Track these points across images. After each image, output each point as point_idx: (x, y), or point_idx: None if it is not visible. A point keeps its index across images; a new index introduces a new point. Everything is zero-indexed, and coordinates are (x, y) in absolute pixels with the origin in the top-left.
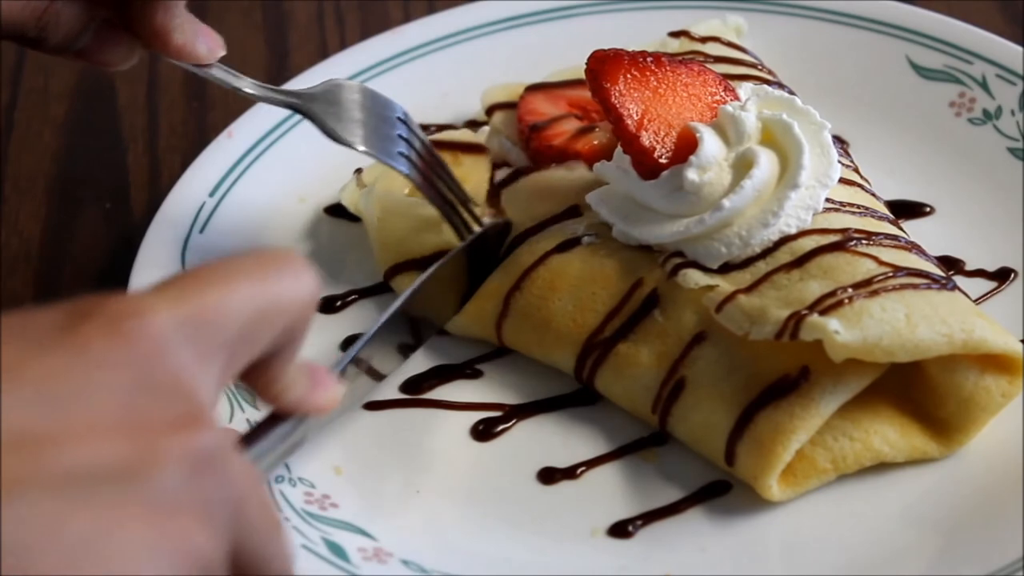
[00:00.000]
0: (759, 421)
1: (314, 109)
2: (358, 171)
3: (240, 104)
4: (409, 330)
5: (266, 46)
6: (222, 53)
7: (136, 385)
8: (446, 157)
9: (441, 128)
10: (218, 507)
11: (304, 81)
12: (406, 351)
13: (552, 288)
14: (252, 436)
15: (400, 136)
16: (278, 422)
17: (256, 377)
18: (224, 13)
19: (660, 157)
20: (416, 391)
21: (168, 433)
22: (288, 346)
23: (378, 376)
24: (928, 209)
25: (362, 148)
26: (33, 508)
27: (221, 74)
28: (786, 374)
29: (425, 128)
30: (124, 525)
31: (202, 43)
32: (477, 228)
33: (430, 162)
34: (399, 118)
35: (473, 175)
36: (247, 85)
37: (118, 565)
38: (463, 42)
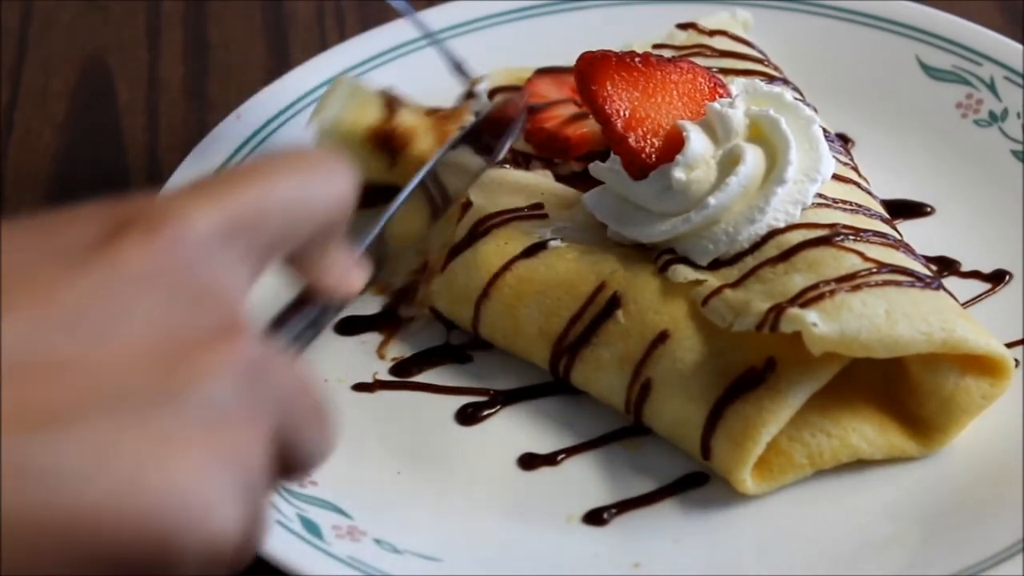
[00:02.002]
0: (729, 416)
1: None
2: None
3: (241, 104)
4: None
5: (266, 46)
6: None
7: (175, 297)
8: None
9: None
10: (268, 410)
11: (309, 69)
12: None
13: (519, 296)
14: (279, 321)
15: None
16: (302, 307)
17: (296, 259)
18: (224, 13)
19: (648, 157)
20: (405, 374)
21: (211, 345)
22: (330, 233)
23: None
24: (929, 209)
25: None
26: (83, 435)
27: None
28: (752, 367)
29: (435, 112)
30: (178, 445)
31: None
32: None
33: None
34: None
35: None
36: None
37: (178, 487)
38: (479, 30)
